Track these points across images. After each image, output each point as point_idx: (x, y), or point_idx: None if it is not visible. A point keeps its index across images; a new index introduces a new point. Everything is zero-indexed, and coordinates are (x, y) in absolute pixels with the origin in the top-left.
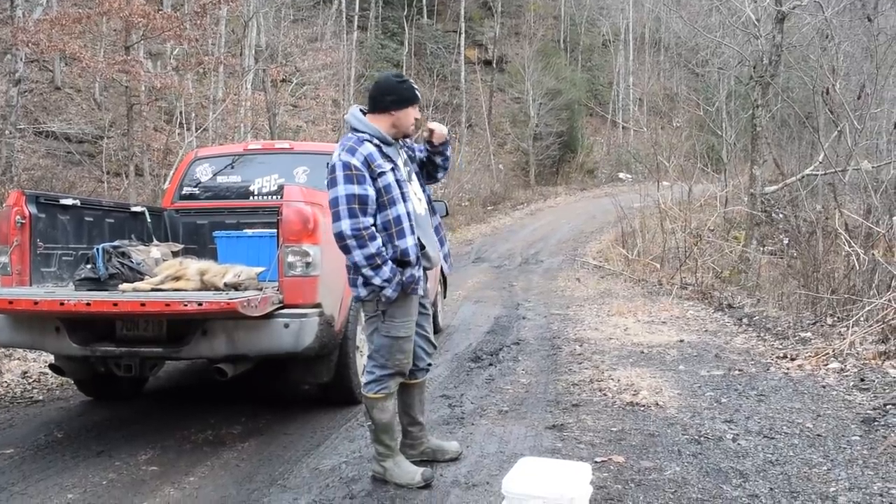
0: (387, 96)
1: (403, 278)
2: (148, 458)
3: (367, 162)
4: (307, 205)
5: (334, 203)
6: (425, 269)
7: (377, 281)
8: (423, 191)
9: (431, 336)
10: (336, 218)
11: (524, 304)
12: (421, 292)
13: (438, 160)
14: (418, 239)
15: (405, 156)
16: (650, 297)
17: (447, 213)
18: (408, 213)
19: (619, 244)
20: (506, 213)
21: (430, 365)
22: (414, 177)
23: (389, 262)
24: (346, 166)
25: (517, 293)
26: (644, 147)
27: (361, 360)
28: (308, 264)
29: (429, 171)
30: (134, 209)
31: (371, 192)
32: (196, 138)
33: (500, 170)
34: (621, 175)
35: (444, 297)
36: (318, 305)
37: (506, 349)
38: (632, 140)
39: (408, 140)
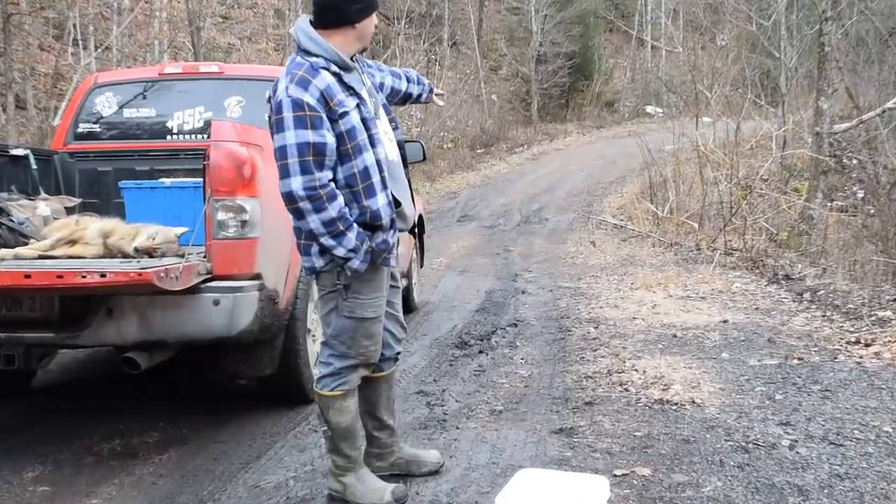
0: (351, 4)
1: (374, 245)
2: (36, 475)
3: (325, 98)
4: (242, 146)
5: (282, 154)
6: (399, 230)
7: (340, 252)
8: (393, 127)
9: (401, 316)
10: (284, 174)
11: (524, 274)
12: (394, 263)
13: (415, 94)
14: (392, 195)
15: (369, 83)
16: (685, 266)
17: (424, 158)
18: (378, 163)
19: (645, 198)
20: (500, 158)
21: (399, 354)
22: (382, 110)
23: (355, 226)
24: (297, 105)
25: (515, 261)
26: (679, 73)
27: (314, 348)
28: (244, 223)
29: (396, 98)
30: (14, 152)
31: (330, 138)
32: (96, 59)
33: (493, 102)
34: (649, 109)
35: (421, 266)
36: (257, 276)
37: (500, 332)
38: (663, 63)
39: (365, 57)
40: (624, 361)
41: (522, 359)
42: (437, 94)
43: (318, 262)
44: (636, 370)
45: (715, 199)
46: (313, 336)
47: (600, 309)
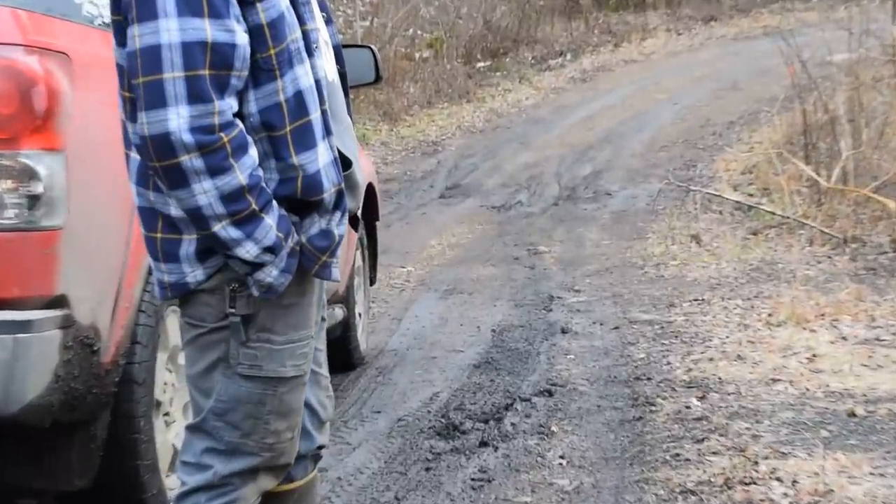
0: None
1: (307, 240)
2: None
3: None
4: (30, 53)
5: (150, 62)
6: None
7: (249, 251)
8: (325, 20)
9: (326, 376)
10: (154, 100)
11: (565, 297)
12: (338, 273)
13: None
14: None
15: None
16: (872, 282)
17: (377, 79)
18: (318, 86)
19: (796, 153)
20: (521, 79)
21: (322, 448)
22: None
23: (275, 204)
24: None
25: (549, 271)
26: None
27: (170, 437)
28: (33, 200)
29: None
30: None
31: (241, 36)
32: None
33: None
34: None
35: (372, 283)
36: (58, 302)
37: (521, 407)
38: None
39: None
40: (756, 463)
41: (563, 457)
42: None
43: (194, 274)
44: (779, 479)
45: None
46: (168, 416)
47: (710, 363)
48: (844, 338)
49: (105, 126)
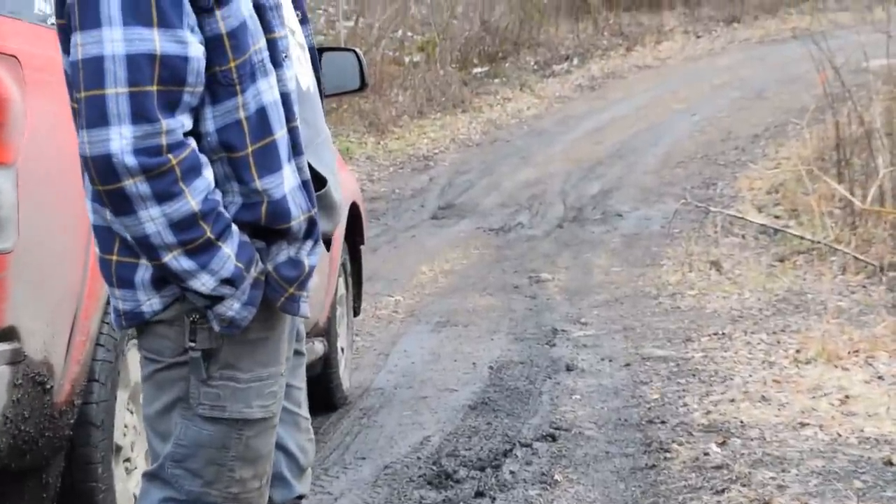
0: None
1: (273, 269)
2: None
3: None
4: None
5: (92, 75)
6: (322, 237)
7: (205, 283)
8: (300, 20)
9: (306, 417)
10: (95, 118)
11: (570, 331)
12: (307, 308)
13: None
14: (308, 165)
15: None
16: None
17: (363, 86)
18: (286, 100)
19: (826, 170)
20: (522, 86)
21: (302, 498)
22: None
23: (235, 230)
24: None
25: (552, 301)
26: None
27: (130, 485)
28: None
29: None
30: None
31: (195, 48)
32: None
33: None
34: None
35: (356, 314)
36: (7, 334)
37: (521, 453)
38: None
39: None
40: None
41: None
42: None
43: (150, 303)
44: None
45: None
46: (128, 462)
47: (731, 404)
48: (881, 377)
49: (60, 137)
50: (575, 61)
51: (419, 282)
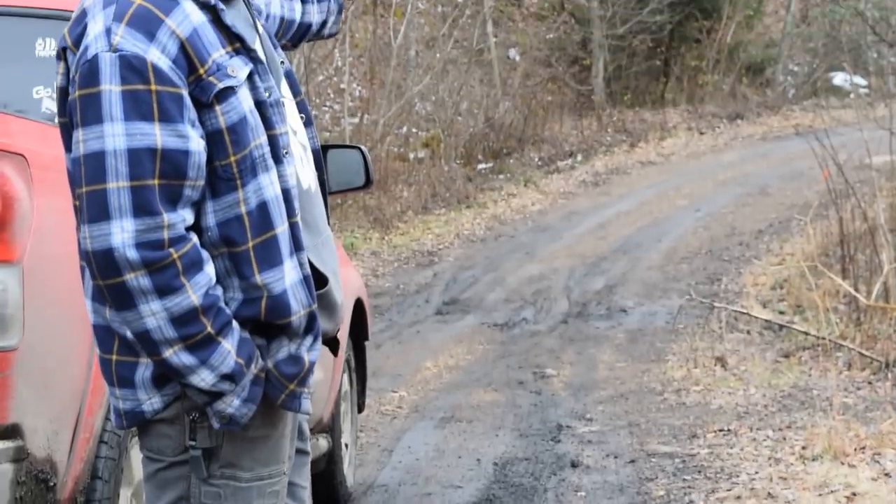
0: None
1: (273, 366)
2: None
3: (190, 58)
4: None
5: (94, 171)
6: (322, 336)
7: (205, 379)
8: (304, 120)
9: None
10: (97, 213)
11: (576, 427)
12: (308, 405)
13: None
14: (309, 263)
15: (262, 26)
16: None
17: (367, 183)
18: (287, 196)
19: (830, 266)
20: (527, 182)
21: None
22: (284, 84)
23: (235, 326)
24: (132, 69)
25: (557, 396)
26: None
27: None
28: None
29: (289, 36)
30: None
31: (195, 143)
32: None
33: (512, 63)
34: (839, 80)
35: (360, 409)
36: (11, 431)
37: None
38: None
39: None
40: None
41: None
42: None
43: (151, 402)
44: None
45: None
46: None
47: (737, 501)
48: (888, 474)
49: (65, 236)
50: (579, 157)
51: (423, 377)
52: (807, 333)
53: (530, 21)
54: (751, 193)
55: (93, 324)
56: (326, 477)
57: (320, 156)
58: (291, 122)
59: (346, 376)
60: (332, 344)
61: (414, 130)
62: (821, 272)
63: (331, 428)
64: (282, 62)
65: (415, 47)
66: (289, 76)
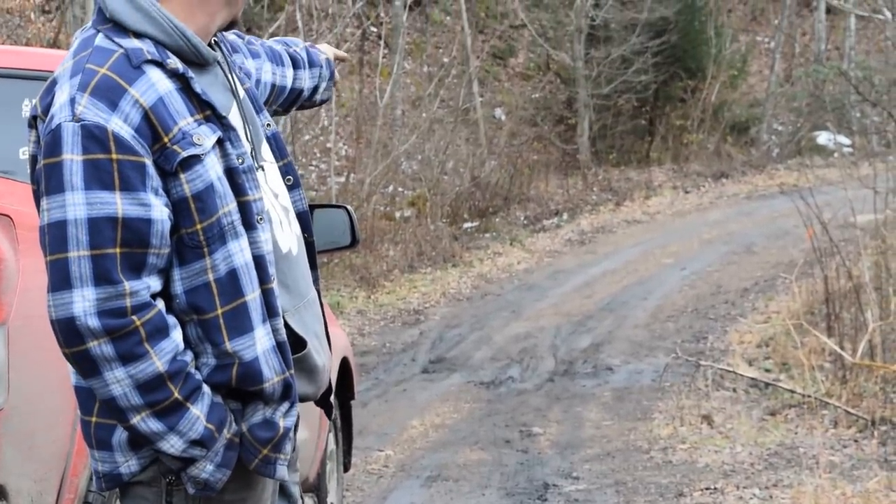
0: None
1: (247, 430)
2: None
3: (154, 127)
4: None
5: (56, 240)
6: (301, 400)
7: (174, 445)
8: (289, 183)
9: None
10: (59, 282)
11: (562, 486)
12: (284, 471)
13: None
14: (286, 326)
15: (243, 90)
16: None
17: (354, 242)
18: (260, 262)
19: (816, 324)
20: (513, 241)
21: None
22: (267, 145)
23: (206, 391)
24: (94, 139)
25: (544, 455)
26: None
27: None
28: None
29: (280, 101)
30: None
31: (160, 211)
32: None
33: (498, 122)
34: (822, 139)
35: (346, 469)
36: None
37: None
38: (852, 42)
39: (233, 38)
40: None
41: None
42: (337, 59)
43: (128, 464)
44: None
45: None
46: None
47: None
48: None
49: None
50: (564, 216)
51: (410, 436)
52: (793, 391)
53: (516, 81)
54: (736, 252)
55: (74, 385)
56: None
57: (307, 217)
58: (272, 185)
59: (331, 435)
60: (326, 407)
61: (400, 189)
62: (806, 330)
63: (317, 487)
64: (268, 125)
65: (401, 107)
66: (275, 139)
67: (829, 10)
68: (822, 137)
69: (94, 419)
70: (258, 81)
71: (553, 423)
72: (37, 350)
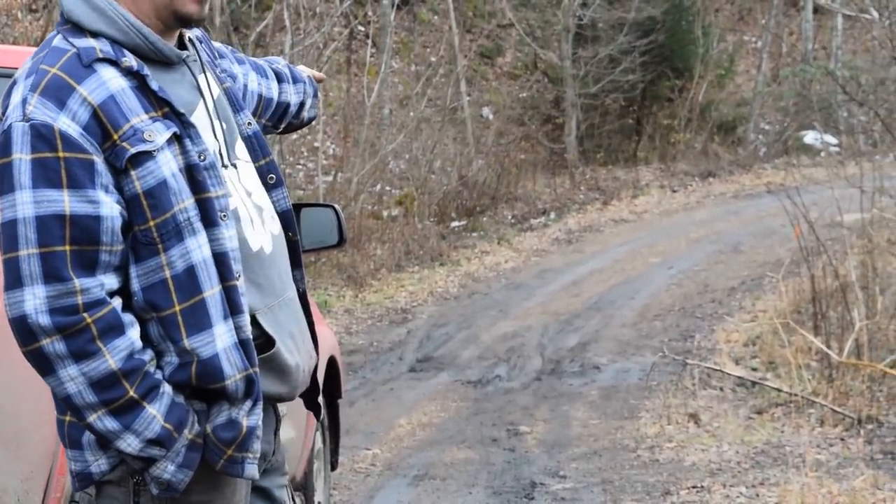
0: None
1: (211, 430)
2: None
3: (102, 124)
4: None
5: (8, 240)
6: (273, 400)
7: (131, 444)
8: (271, 182)
9: None
10: (14, 279)
11: (549, 484)
12: (252, 470)
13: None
14: (254, 322)
15: (218, 89)
16: (889, 468)
17: (341, 241)
18: (221, 258)
19: (802, 323)
20: (500, 240)
21: None
22: (242, 144)
23: (165, 390)
24: (41, 137)
25: (531, 453)
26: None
27: None
28: None
29: (268, 115)
30: None
31: (109, 208)
32: None
33: (485, 121)
34: (809, 138)
35: (333, 468)
36: None
37: None
38: (839, 42)
39: (204, 38)
40: None
41: None
42: (316, 79)
43: (97, 463)
44: None
45: None
46: None
47: None
48: None
49: None
50: (552, 215)
51: (397, 435)
52: (779, 390)
53: (503, 80)
54: (723, 251)
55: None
56: None
57: (291, 216)
58: (245, 183)
59: (319, 434)
60: (314, 408)
61: (388, 188)
62: (793, 329)
63: (304, 486)
64: (249, 123)
65: (388, 106)
66: (256, 138)
67: (816, 10)
68: (809, 137)
69: (67, 418)
70: (245, 87)
71: (540, 422)
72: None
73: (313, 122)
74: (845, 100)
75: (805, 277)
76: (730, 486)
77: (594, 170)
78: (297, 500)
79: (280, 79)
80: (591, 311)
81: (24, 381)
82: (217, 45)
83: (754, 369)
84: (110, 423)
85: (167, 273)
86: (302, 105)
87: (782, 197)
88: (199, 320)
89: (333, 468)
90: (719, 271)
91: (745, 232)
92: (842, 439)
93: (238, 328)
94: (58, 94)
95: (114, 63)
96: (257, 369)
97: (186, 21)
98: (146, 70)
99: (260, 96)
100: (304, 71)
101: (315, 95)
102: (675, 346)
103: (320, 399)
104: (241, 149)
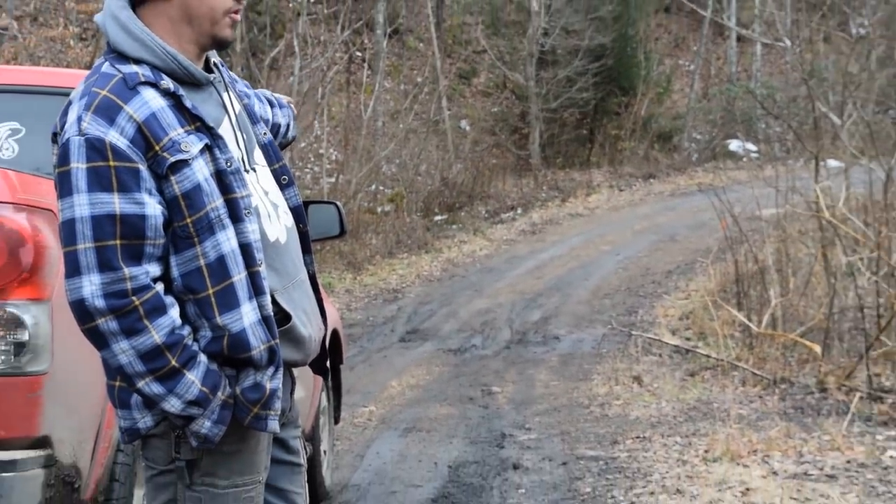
0: None
1: (240, 392)
2: None
3: (146, 137)
4: (20, 210)
5: (68, 235)
6: (289, 366)
7: (174, 405)
8: (284, 182)
9: None
10: (72, 269)
11: (517, 435)
12: (274, 425)
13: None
14: (273, 301)
15: (239, 106)
16: (799, 420)
17: (342, 232)
18: (246, 249)
19: (728, 300)
20: (476, 231)
21: None
22: (259, 152)
23: (202, 359)
24: (95, 149)
25: (502, 411)
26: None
27: None
28: (20, 347)
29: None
30: None
31: (154, 208)
32: None
33: (462, 132)
34: (734, 146)
35: (336, 422)
36: (42, 443)
37: None
38: (759, 67)
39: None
40: None
41: None
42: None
43: (144, 420)
44: None
45: (850, 301)
46: None
47: (651, 497)
48: (775, 472)
49: None
50: (519, 210)
51: (389, 394)
52: (708, 356)
53: (478, 97)
54: (662, 240)
55: (101, 356)
56: (309, 479)
57: (302, 211)
58: (263, 185)
59: (324, 394)
60: (322, 372)
61: (381, 188)
62: (720, 305)
63: (312, 437)
64: (264, 133)
65: (382, 119)
66: (270, 145)
67: (739, 39)
68: (734, 145)
69: (116, 383)
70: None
71: (509, 384)
72: (75, 324)
73: (297, 140)
74: (763, 114)
75: (730, 262)
76: (667, 436)
77: (554, 172)
78: (308, 448)
79: (271, 104)
80: (552, 290)
81: (76, 351)
82: (229, 72)
83: (688, 339)
84: (157, 388)
85: (202, 262)
86: (288, 126)
87: (711, 195)
88: (228, 301)
89: (336, 422)
90: (658, 257)
91: (680, 224)
92: (760, 397)
93: (261, 306)
94: (108, 113)
95: (154, 85)
96: (278, 341)
97: (222, 44)
98: (181, 91)
99: (265, 119)
100: (282, 98)
101: (294, 118)
102: (622, 319)
103: (327, 364)
104: (259, 155)
